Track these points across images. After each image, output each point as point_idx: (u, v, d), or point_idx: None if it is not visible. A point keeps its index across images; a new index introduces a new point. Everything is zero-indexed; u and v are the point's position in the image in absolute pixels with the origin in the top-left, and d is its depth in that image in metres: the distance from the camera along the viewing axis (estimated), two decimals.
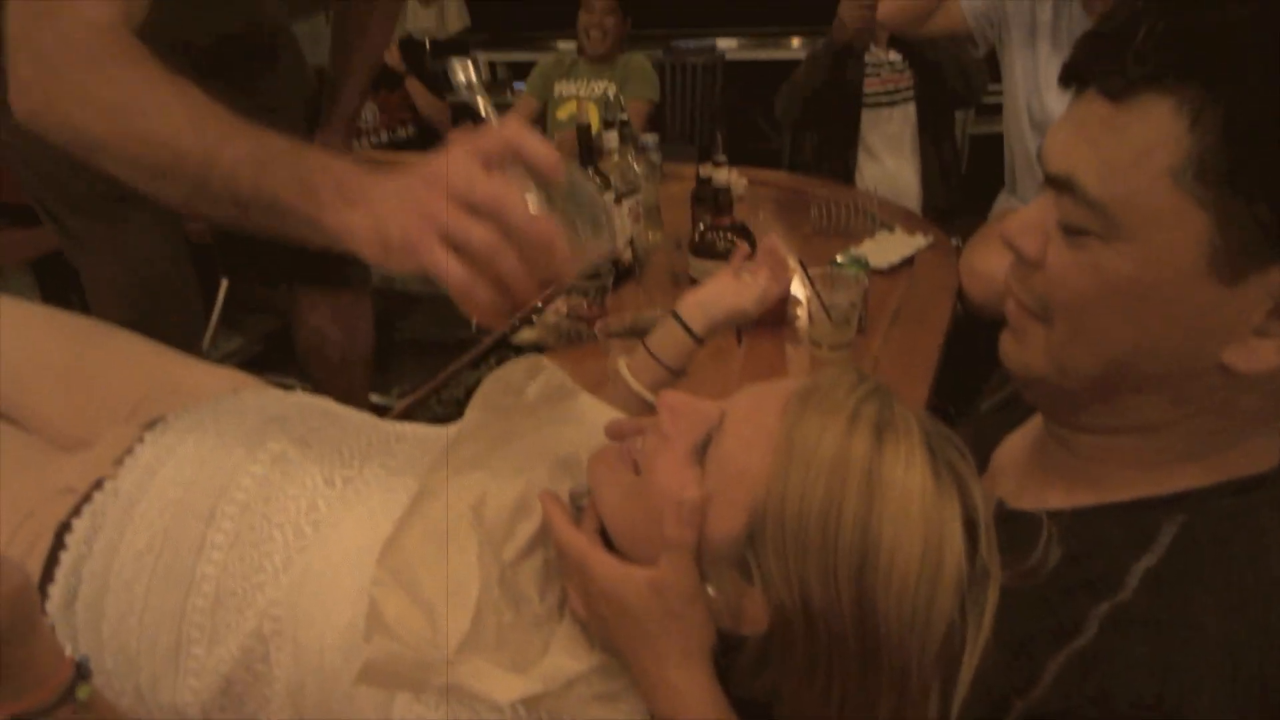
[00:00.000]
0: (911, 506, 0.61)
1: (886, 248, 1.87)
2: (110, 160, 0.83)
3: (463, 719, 0.69)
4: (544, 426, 0.90)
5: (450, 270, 0.67)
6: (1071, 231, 0.62)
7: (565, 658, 0.73)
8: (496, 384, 0.87)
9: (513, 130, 0.69)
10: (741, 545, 0.67)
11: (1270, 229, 0.54)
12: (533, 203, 0.67)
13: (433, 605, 0.70)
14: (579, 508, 0.82)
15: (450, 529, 0.75)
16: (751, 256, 1.17)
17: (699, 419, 0.72)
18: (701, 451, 0.70)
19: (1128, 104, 0.58)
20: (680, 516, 0.67)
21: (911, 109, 2.63)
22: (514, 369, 0.90)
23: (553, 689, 0.69)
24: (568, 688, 0.70)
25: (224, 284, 2.58)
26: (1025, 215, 0.67)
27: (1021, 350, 0.71)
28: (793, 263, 1.57)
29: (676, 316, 1.07)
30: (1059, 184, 0.62)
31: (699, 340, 1.06)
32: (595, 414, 0.94)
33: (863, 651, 0.62)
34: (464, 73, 0.82)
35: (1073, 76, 0.64)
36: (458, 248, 0.66)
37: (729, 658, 0.70)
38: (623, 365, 1.06)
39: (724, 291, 1.10)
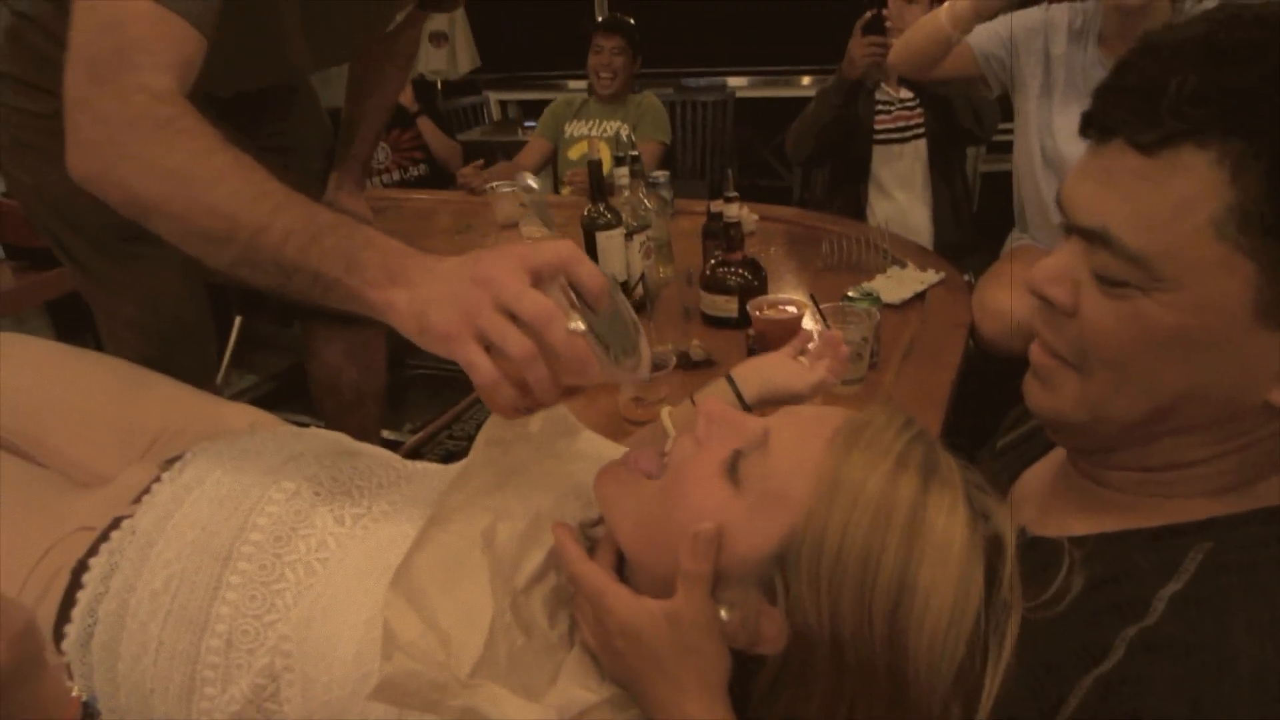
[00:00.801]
0: (950, 555, 0.62)
1: (898, 283, 1.88)
2: (163, 223, 0.86)
3: None
4: (548, 460, 0.90)
5: (480, 367, 0.70)
6: (1108, 282, 0.62)
7: (577, 688, 0.72)
8: (499, 420, 0.87)
9: (568, 251, 0.73)
10: (769, 565, 0.66)
11: None
12: (573, 321, 0.70)
13: (447, 628, 0.70)
14: (589, 539, 0.81)
15: (461, 555, 0.76)
16: (809, 339, 1.17)
17: (737, 431, 0.72)
18: (734, 464, 0.70)
19: (1162, 156, 0.58)
20: (697, 548, 0.67)
21: (922, 145, 2.64)
22: None
23: (567, 718, 0.69)
24: (583, 716, 0.70)
25: (237, 322, 2.60)
26: (1053, 264, 0.67)
27: (1052, 398, 0.71)
28: (804, 297, 1.58)
29: (730, 380, 1.08)
30: (1091, 236, 0.63)
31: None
32: (598, 448, 0.95)
33: (891, 684, 0.62)
34: (533, 186, 0.86)
35: (1095, 127, 0.64)
36: (491, 347, 0.70)
37: (743, 685, 0.70)
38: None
39: (782, 368, 1.10)
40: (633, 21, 3.42)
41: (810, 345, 1.13)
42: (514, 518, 0.80)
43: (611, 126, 3.36)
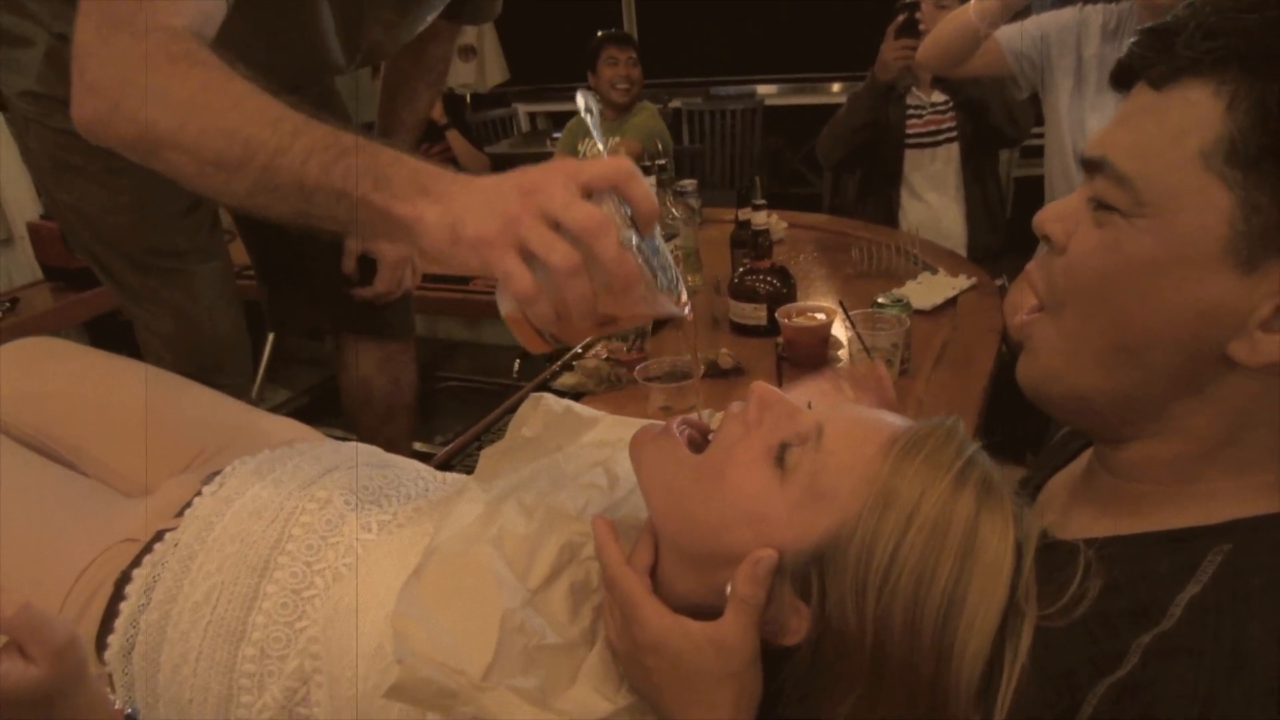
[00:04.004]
0: (999, 579, 0.62)
1: (929, 289, 1.86)
2: (174, 156, 0.84)
3: None
4: (554, 459, 0.90)
5: (518, 276, 0.67)
6: (1099, 207, 0.63)
7: (595, 695, 0.72)
8: (513, 426, 0.88)
9: (624, 167, 0.69)
10: (806, 561, 0.66)
11: None
12: (624, 235, 0.67)
13: (456, 634, 0.70)
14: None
15: (468, 563, 0.75)
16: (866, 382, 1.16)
17: (789, 420, 0.71)
18: (783, 454, 0.69)
19: (1169, 90, 0.60)
20: (755, 574, 0.66)
21: (955, 149, 2.63)
22: (522, 409, 0.93)
23: None
24: None
25: (270, 338, 2.63)
26: (1059, 204, 0.69)
27: (1031, 355, 0.71)
28: (833, 305, 1.57)
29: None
30: (1093, 165, 0.64)
31: None
32: (616, 433, 0.95)
33: (932, 695, 0.61)
34: (586, 102, 0.84)
35: (1124, 72, 0.65)
36: (531, 259, 0.66)
37: (769, 681, 0.69)
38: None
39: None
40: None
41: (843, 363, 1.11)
42: (521, 520, 0.80)
43: (614, 143, 3.39)
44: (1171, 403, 0.64)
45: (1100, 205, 0.63)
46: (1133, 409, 0.66)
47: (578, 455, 0.91)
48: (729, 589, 0.67)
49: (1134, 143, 0.61)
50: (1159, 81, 0.61)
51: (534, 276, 0.67)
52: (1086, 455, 0.78)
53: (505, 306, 0.72)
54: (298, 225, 0.81)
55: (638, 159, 3.20)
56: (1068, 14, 2.10)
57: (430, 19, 1.53)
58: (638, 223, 0.69)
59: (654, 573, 0.74)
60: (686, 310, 0.74)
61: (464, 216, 0.70)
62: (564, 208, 0.66)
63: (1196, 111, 0.58)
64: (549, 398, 0.95)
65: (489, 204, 0.69)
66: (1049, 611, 0.61)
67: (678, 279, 0.73)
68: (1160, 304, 0.61)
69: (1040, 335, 0.70)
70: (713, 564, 0.69)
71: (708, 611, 0.69)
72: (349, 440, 1.13)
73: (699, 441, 0.76)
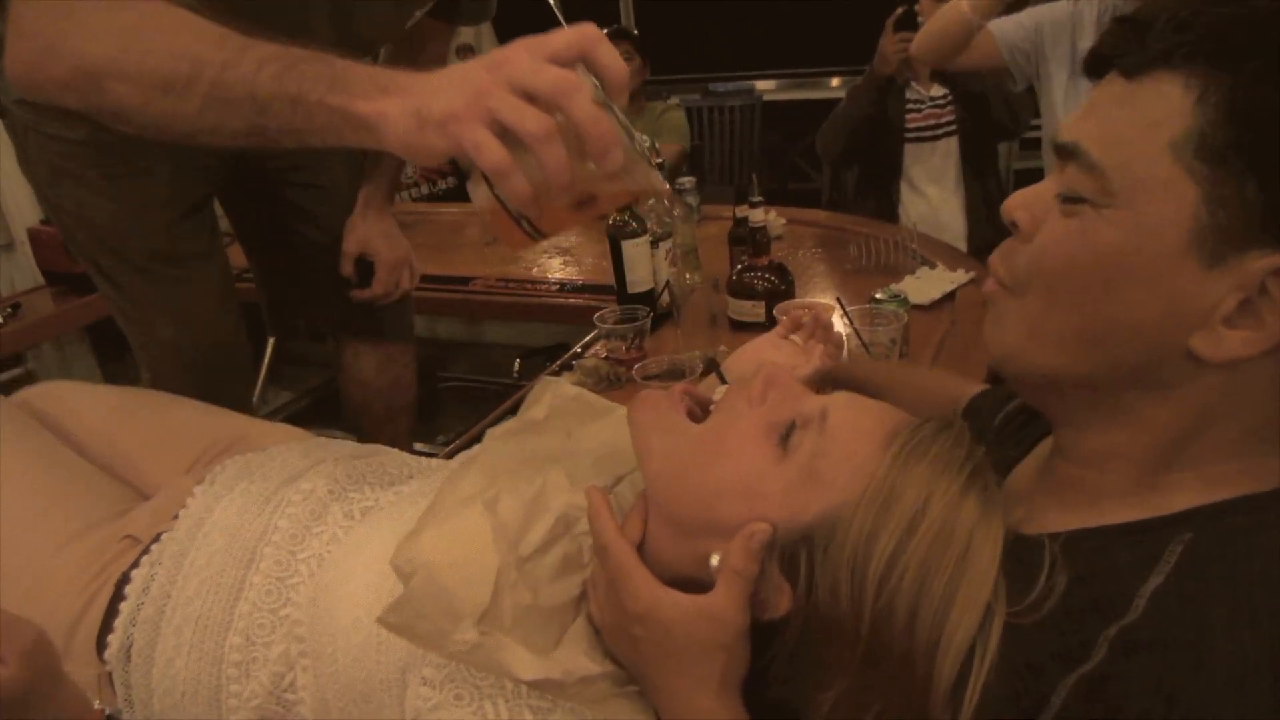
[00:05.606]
0: (986, 583, 0.62)
1: (927, 284, 1.86)
2: (117, 86, 0.82)
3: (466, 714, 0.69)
4: (559, 440, 0.91)
5: (489, 147, 0.65)
6: (1068, 200, 0.63)
7: (582, 656, 0.72)
8: (523, 408, 0.89)
9: (590, 33, 0.68)
10: (796, 541, 0.66)
11: (1255, 210, 0.56)
12: (597, 94, 0.65)
13: (453, 581, 0.70)
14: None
15: (465, 524, 0.75)
16: (801, 319, 1.15)
17: (794, 401, 0.72)
18: (787, 433, 0.69)
19: (1141, 80, 0.60)
20: (750, 547, 0.66)
21: (954, 143, 2.63)
22: (534, 392, 0.93)
23: (570, 681, 0.69)
24: (585, 683, 0.70)
25: (271, 342, 2.64)
26: (1027, 191, 0.69)
27: (997, 327, 0.71)
28: (832, 300, 1.57)
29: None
30: (1065, 152, 0.64)
31: None
32: (616, 421, 0.95)
33: (924, 692, 0.61)
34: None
35: (1097, 60, 0.65)
36: (505, 132, 0.65)
37: (756, 659, 0.70)
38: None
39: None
40: (636, 31, 3.45)
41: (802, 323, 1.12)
42: (518, 489, 0.80)
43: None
44: (1133, 392, 0.64)
45: (1069, 199, 0.63)
46: (1094, 394, 0.66)
47: (579, 443, 0.91)
48: (713, 560, 0.68)
49: (1106, 132, 0.62)
50: (1131, 71, 0.61)
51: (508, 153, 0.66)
52: (1046, 445, 0.78)
53: (479, 197, 0.71)
54: (252, 142, 0.79)
55: (677, 163, 3.19)
56: (1062, 7, 2.11)
57: (420, 14, 1.52)
58: (608, 90, 0.68)
59: (641, 547, 0.74)
60: (663, 186, 0.73)
61: (429, 100, 0.69)
62: (533, 73, 0.65)
63: (1167, 103, 0.58)
64: (561, 382, 0.95)
65: (454, 84, 0.68)
66: (1018, 608, 0.61)
67: (649, 157, 0.72)
68: (1125, 295, 0.61)
69: (1005, 310, 0.70)
70: (701, 533, 0.70)
71: (690, 584, 0.69)
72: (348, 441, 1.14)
73: (698, 414, 0.77)
